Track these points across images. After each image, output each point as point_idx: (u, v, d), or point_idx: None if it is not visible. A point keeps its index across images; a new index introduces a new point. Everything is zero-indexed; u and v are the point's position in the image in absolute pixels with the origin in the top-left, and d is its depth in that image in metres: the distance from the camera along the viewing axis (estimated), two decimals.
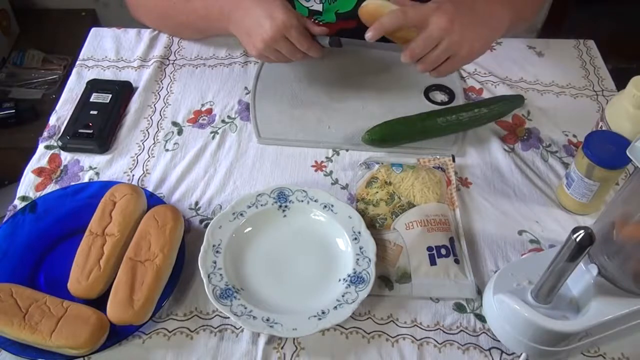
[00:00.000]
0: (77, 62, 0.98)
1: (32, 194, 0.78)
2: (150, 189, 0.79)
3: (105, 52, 0.99)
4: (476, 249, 0.73)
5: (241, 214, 0.72)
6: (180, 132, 0.86)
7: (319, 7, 0.91)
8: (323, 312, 0.63)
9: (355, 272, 0.67)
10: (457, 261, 0.69)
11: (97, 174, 0.81)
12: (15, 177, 0.83)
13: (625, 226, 0.61)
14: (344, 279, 0.67)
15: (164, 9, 0.93)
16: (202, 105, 0.90)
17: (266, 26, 0.75)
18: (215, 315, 0.66)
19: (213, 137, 0.85)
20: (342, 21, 0.93)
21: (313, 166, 0.82)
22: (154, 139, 0.86)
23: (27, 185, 0.79)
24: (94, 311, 0.62)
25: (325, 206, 0.73)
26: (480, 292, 0.68)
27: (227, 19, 0.82)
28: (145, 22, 1.00)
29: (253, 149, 0.84)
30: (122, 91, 0.90)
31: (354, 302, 0.64)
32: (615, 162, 0.68)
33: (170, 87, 0.93)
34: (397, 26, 0.70)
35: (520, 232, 0.74)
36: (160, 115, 0.89)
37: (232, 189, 0.79)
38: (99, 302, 0.64)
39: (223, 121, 0.88)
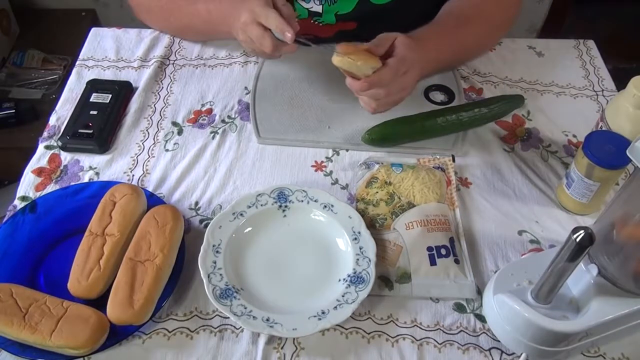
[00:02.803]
0: (77, 62, 0.98)
1: (32, 194, 0.78)
2: (150, 189, 0.79)
3: (105, 52, 0.99)
4: (476, 249, 0.73)
5: (241, 214, 0.72)
6: (180, 132, 0.86)
7: (318, 8, 0.91)
8: (323, 312, 0.63)
9: (355, 272, 0.67)
10: (457, 261, 0.69)
11: (97, 174, 0.81)
12: (15, 177, 0.83)
13: (625, 226, 0.61)
14: (344, 279, 0.67)
15: (169, 11, 0.93)
16: (202, 105, 0.90)
17: (242, 15, 0.76)
18: (215, 315, 0.66)
19: (213, 137, 0.85)
20: (341, 23, 0.93)
21: (313, 166, 0.82)
22: (154, 139, 0.86)
23: (27, 185, 0.79)
24: (94, 311, 0.62)
25: (325, 206, 0.73)
26: (480, 292, 0.68)
27: (228, 23, 0.83)
28: (148, 23, 1.00)
29: (253, 149, 0.84)
30: (122, 91, 0.90)
31: (354, 302, 0.64)
32: (615, 162, 0.68)
33: (170, 87, 0.93)
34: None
35: (520, 232, 0.74)
36: (160, 115, 0.89)
37: (232, 189, 0.79)
38: (99, 302, 0.64)
39: (223, 121, 0.88)
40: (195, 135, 0.86)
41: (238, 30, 0.78)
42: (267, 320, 0.63)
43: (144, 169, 0.82)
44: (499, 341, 0.64)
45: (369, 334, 0.65)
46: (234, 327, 0.65)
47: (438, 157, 0.81)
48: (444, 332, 0.65)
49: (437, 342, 0.64)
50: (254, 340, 0.64)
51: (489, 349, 0.64)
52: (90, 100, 0.88)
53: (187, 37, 1.00)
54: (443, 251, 0.68)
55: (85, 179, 0.80)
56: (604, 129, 0.76)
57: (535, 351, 0.61)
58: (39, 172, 0.81)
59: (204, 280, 0.65)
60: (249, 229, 0.72)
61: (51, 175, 0.81)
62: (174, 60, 0.97)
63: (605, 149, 0.69)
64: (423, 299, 0.68)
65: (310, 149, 0.84)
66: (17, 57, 1.78)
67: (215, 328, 0.65)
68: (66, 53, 1.78)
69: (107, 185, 0.75)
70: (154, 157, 0.83)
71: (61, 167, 0.82)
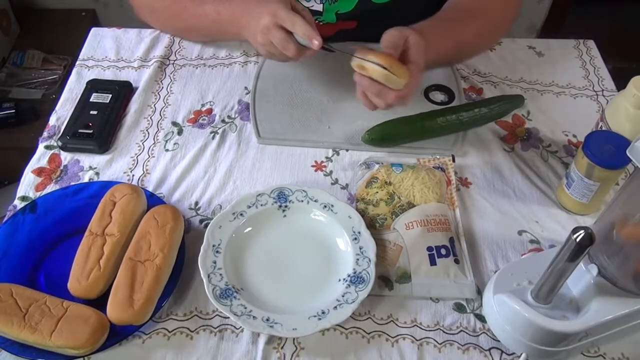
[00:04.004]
0: (77, 62, 0.98)
1: (32, 194, 0.78)
2: (150, 189, 0.79)
3: (105, 52, 0.99)
4: (476, 249, 0.73)
5: (241, 214, 0.72)
6: (180, 132, 0.86)
7: (319, 7, 0.91)
8: (323, 312, 0.63)
9: (355, 272, 0.67)
10: (457, 261, 0.69)
11: (97, 174, 0.81)
12: (15, 177, 0.83)
13: (625, 226, 0.61)
14: (344, 279, 0.67)
15: (174, 11, 0.93)
16: (202, 105, 0.90)
17: (262, 18, 0.75)
18: (215, 315, 0.66)
19: (213, 137, 0.85)
20: (342, 22, 0.93)
21: (313, 166, 0.82)
22: (154, 139, 0.86)
23: (27, 185, 0.79)
24: (94, 311, 0.62)
25: (325, 206, 0.73)
26: (480, 292, 0.68)
27: (239, 24, 0.83)
28: (150, 23, 1.00)
29: (253, 149, 0.84)
30: (122, 91, 0.90)
31: (354, 302, 0.64)
32: (615, 162, 0.68)
33: (170, 87, 0.93)
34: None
35: (520, 232, 0.74)
36: (160, 115, 0.89)
37: (232, 189, 0.79)
38: (99, 302, 0.64)
39: (223, 121, 0.88)
40: (195, 135, 0.86)
41: (257, 33, 0.77)
42: (267, 320, 0.63)
43: (144, 169, 0.82)
44: (499, 341, 0.64)
45: (369, 334, 0.65)
46: (234, 327, 0.65)
47: (438, 157, 0.81)
48: (444, 332, 0.65)
49: (437, 342, 0.64)
50: (254, 340, 0.64)
51: (489, 349, 0.64)
52: (90, 100, 0.88)
53: (191, 38, 1.00)
54: (443, 251, 0.68)
55: (85, 179, 0.80)
56: (604, 129, 0.76)
57: (535, 351, 0.61)
58: (39, 172, 0.81)
59: (204, 280, 0.65)
60: (249, 229, 0.72)
61: (51, 175, 0.81)
62: (174, 60, 0.97)
63: (605, 149, 0.69)
64: (423, 299, 0.68)
65: (310, 149, 0.84)
66: (17, 57, 1.78)
67: (215, 328, 0.65)
68: (66, 53, 1.78)
69: (107, 185, 0.75)
70: (154, 157, 0.83)
71: (61, 167, 0.82)
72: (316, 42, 0.71)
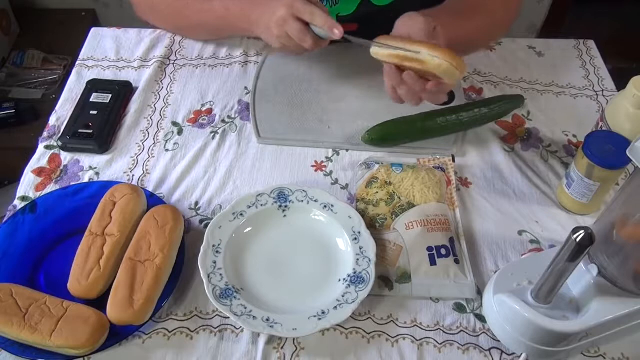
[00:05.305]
0: (77, 62, 0.98)
1: (32, 194, 0.78)
2: (150, 189, 0.79)
3: (105, 52, 0.99)
4: (476, 249, 0.73)
5: (241, 214, 0.72)
6: (180, 132, 0.86)
7: None
8: (323, 312, 0.63)
9: (355, 272, 0.67)
10: (457, 261, 0.69)
11: (97, 174, 0.81)
12: (15, 177, 0.83)
13: (625, 226, 0.61)
14: (344, 279, 0.67)
15: (176, 8, 0.93)
16: (202, 105, 0.90)
17: (278, 10, 0.75)
18: (215, 315, 0.66)
19: (213, 137, 0.85)
20: (343, 24, 0.93)
21: (313, 166, 0.82)
22: (154, 139, 0.86)
23: (27, 185, 0.79)
24: (94, 311, 0.62)
25: (325, 206, 0.73)
26: (480, 292, 0.68)
27: (248, 19, 0.83)
28: (149, 21, 0.99)
29: (253, 149, 0.84)
30: (122, 91, 0.90)
31: (354, 302, 0.64)
32: (615, 162, 0.68)
33: (170, 87, 0.93)
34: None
35: (520, 232, 0.74)
36: (160, 115, 0.89)
37: (232, 189, 0.79)
38: (99, 302, 0.64)
39: (223, 121, 0.88)
40: (195, 135, 0.86)
41: (272, 25, 0.77)
42: (267, 320, 0.63)
43: (144, 169, 0.82)
44: (499, 341, 0.64)
45: (369, 334, 0.65)
46: (234, 327, 0.65)
47: (438, 157, 0.81)
48: (444, 332, 0.65)
49: (437, 342, 0.64)
50: (254, 340, 0.64)
51: (489, 349, 0.64)
52: (90, 100, 0.88)
53: (193, 35, 1.00)
54: (443, 251, 0.68)
55: (85, 179, 0.80)
56: (604, 129, 0.76)
57: (535, 351, 0.61)
58: (39, 172, 0.81)
59: (204, 280, 0.65)
60: (249, 229, 0.72)
61: (51, 175, 0.81)
62: (174, 60, 0.97)
63: (605, 149, 0.69)
64: (423, 299, 0.68)
65: (310, 149, 0.84)
66: (17, 57, 1.78)
67: (215, 328, 0.65)
68: (66, 53, 1.79)
69: (107, 185, 0.75)
70: (154, 157, 0.83)
71: (61, 167, 0.82)
72: (337, 32, 0.71)
